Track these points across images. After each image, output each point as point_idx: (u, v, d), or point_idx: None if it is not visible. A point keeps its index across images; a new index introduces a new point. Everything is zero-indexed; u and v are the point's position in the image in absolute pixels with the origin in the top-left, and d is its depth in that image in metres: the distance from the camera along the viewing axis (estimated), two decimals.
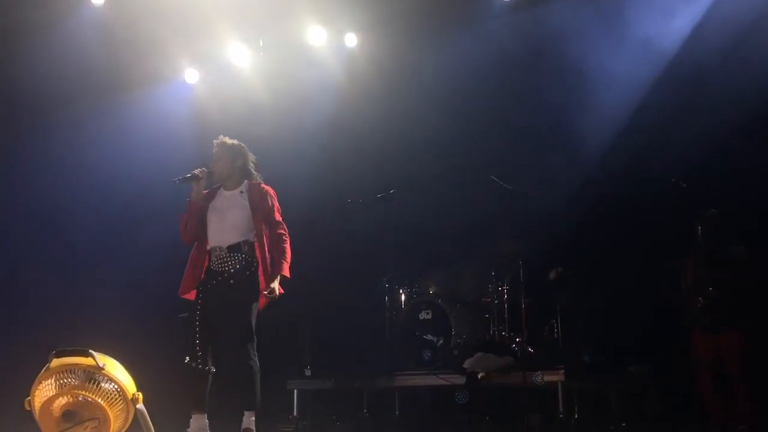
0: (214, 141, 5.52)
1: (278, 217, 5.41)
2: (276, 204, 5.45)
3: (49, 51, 7.30)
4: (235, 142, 5.54)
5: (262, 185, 5.50)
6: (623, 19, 7.29)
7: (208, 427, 5.15)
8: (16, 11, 7.03)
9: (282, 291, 5.34)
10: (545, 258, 7.30)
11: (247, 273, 5.25)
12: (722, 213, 5.96)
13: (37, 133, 7.70)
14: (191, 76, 8.46)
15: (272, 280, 5.21)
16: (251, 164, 5.55)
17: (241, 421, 5.15)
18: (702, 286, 5.90)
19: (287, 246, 5.33)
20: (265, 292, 5.19)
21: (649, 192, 7.02)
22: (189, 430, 5.11)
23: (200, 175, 5.38)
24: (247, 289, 5.24)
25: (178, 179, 5.36)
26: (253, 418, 5.14)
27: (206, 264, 5.34)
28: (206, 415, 5.15)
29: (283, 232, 5.37)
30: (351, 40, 8.11)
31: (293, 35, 8.09)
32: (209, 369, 5.14)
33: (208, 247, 5.35)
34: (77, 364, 3.52)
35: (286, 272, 5.28)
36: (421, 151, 7.95)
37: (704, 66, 7.02)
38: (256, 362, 5.20)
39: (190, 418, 5.12)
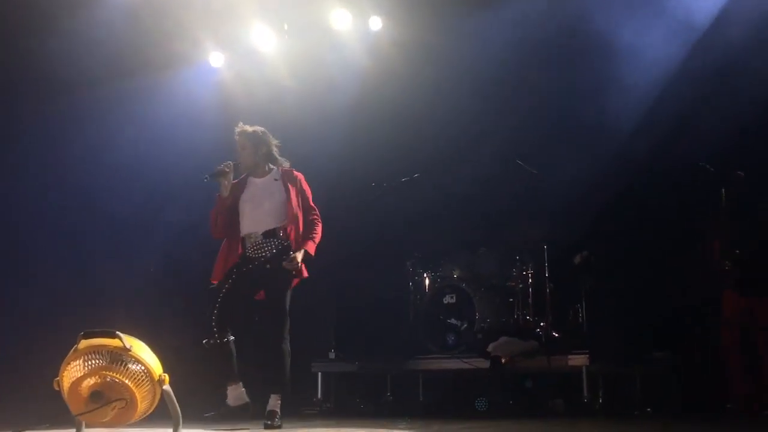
0: (235, 129, 5.53)
1: (312, 202, 5.49)
2: (308, 189, 5.52)
3: (77, 35, 7.33)
4: (257, 128, 5.53)
5: (294, 172, 5.53)
6: None
7: (245, 395, 5.20)
8: None
9: (307, 275, 5.38)
10: (570, 242, 7.26)
11: (283, 257, 5.28)
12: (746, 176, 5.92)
13: (64, 114, 7.76)
14: (216, 59, 8.47)
15: (297, 252, 5.27)
16: (275, 149, 5.57)
17: (266, 402, 5.20)
18: (729, 248, 5.86)
19: (318, 229, 5.43)
20: (284, 263, 5.23)
21: (676, 175, 6.96)
22: (228, 401, 5.18)
23: (227, 170, 5.40)
24: (283, 273, 5.28)
25: (207, 177, 5.37)
26: (279, 401, 5.19)
27: (240, 251, 5.38)
28: (241, 383, 5.21)
29: (316, 217, 5.47)
30: (375, 23, 8.06)
31: (317, 19, 8.06)
32: (228, 339, 5.17)
33: (241, 235, 5.39)
34: (105, 345, 3.56)
35: (311, 250, 5.34)
36: (446, 135, 7.91)
37: (736, 44, 6.89)
38: (288, 345, 5.24)
39: (226, 390, 5.19)
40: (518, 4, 7.51)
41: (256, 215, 5.38)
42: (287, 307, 5.27)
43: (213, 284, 5.35)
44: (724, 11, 7.02)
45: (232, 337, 5.20)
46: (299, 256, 5.26)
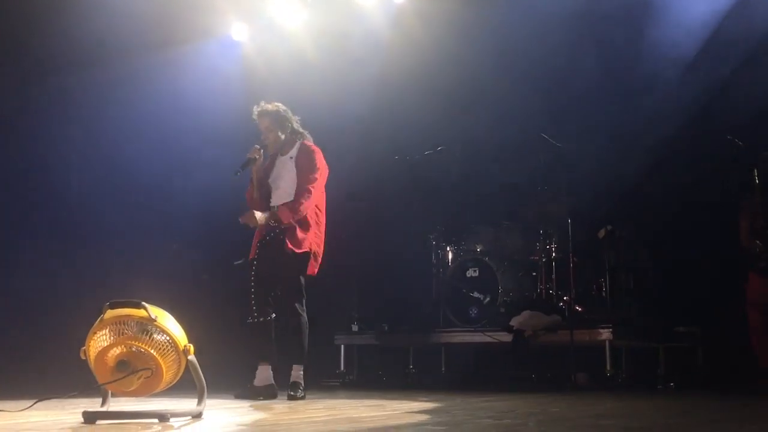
0: (254, 110, 5.51)
1: (313, 176, 5.38)
2: (316, 163, 5.43)
3: (100, 8, 7.34)
4: (278, 106, 5.53)
5: (311, 146, 5.52)
6: None
7: (272, 378, 5.27)
8: None
9: (315, 273, 5.42)
10: (594, 216, 7.22)
11: (297, 230, 5.29)
12: None
13: (88, 89, 7.78)
14: (239, 32, 8.45)
15: (268, 213, 5.28)
16: (297, 124, 5.57)
17: (288, 373, 5.25)
18: (760, 229, 5.79)
19: (303, 205, 5.29)
20: (240, 218, 5.27)
21: (705, 149, 6.88)
22: (255, 380, 5.26)
23: (256, 156, 5.43)
24: (298, 247, 5.30)
25: (238, 171, 5.39)
26: (301, 372, 5.24)
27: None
28: (270, 366, 5.29)
29: (308, 192, 5.33)
30: None
31: None
32: (269, 318, 5.27)
33: (270, 206, 5.45)
34: (130, 315, 3.59)
35: (284, 217, 5.27)
36: (471, 108, 7.86)
37: None
38: (305, 317, 5.29)
39: (256, 369, 5.28)
40: None
41: (276, 193, 5.48)
42: (302, 280, 5.32)
43: (233, 254, 5.47)
44: None
45: (273, 315, 5.29)
46: (257, 215, 5.25)
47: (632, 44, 7.25)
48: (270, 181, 5.53)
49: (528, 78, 7.62)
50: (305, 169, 5.41)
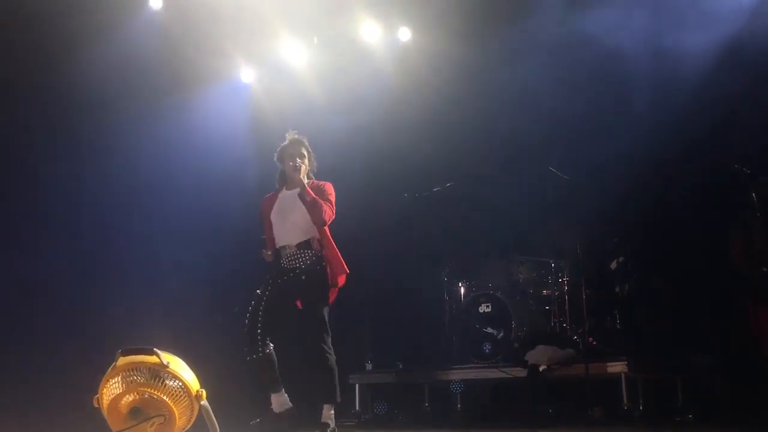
0: (292, 136, 5.50)
1: (329, 199, 5.37)
2: (331, 197, 5.41)
3: (111, 53, 7.44)
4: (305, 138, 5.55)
5: (320, 182, 5.52)
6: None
7: (289, 401, 5.26)
8: (81, 15, 7.19)
9: (334, 296, 5.39)
10: (605, 248, 7.20)
11: (318, 268, 5.32)
12: None
13: (99, 131, 7.85)
14: (247, 74, 8.55)
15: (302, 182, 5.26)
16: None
17: (318, 414, 5.23)
18: (762, 255, 5.74)
19: (325, 208, 5.27)
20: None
21: (711, 178, 6.87)
22: (272, 407, 5.25)
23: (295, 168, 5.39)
24: (320, 284, 5.31)
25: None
26: (332, 412, 5.23)
27: (276, 262, 5.41)
28: (283, 389, 5.27)
29: (327, 203, 5.32)
30: (404, 34, 8.09)
31: (347, 31, 8.11)
32: (269, 351, 5.23)
33: (277, 246, 5.42)
34: (143, 362, 3.59)
35: (310, 195, 5.26)
36: (478, 144, 7.90)
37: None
38: (333, 356, 5.26)
39: (269, 398, 5.26)
40: (547, 17, 7.48)
41: (285, 228, 5.39)
42: (326, 318, 5.28)
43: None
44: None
45: (272, 345, 5.26)
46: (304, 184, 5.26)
47: (637, 77, 7.28)
48: (273, 213, 5.46)
49: (534, 112, 7.66)
50: (320, 196, 5.37)
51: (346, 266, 5.37)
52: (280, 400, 5.25)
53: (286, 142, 5.50)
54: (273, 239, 5.46)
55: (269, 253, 5.39)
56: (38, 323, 7.26)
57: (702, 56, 7.10)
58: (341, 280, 5.42)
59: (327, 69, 8.24)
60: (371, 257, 7.90)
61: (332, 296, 5.40)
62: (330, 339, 5.27)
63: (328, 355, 5.22)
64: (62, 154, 7.74)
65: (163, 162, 7.85)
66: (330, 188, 5.47)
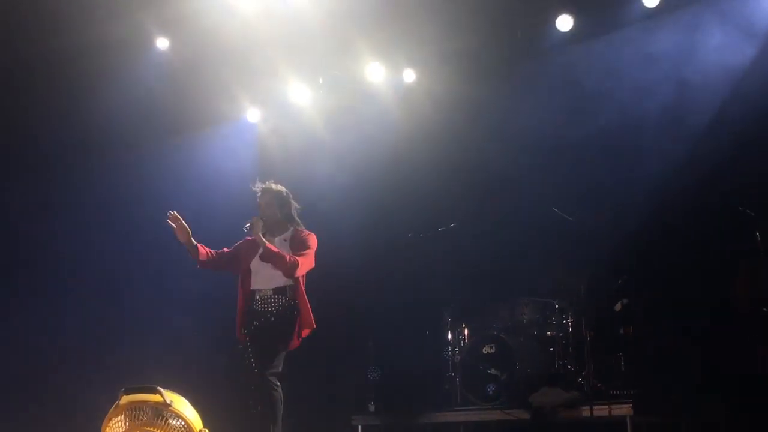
0: (261, 186, 5.64)
1: (305, 253, 5.44)
2: (311, 247, 5.50)
3: (118, 94, 7.53)
4: (282, 188, 5.65)
5: (305, 232, 5.61)
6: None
7: None
8: (90, 57, 7.29)
9: (296, 344, 5.46)
10: (609, 289, 7.18)
11: (289, 314, 5.40)
12: None
13: (106, 172, 7.91)
14: (253, 115, 8.62)
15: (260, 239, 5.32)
16: (295, 211, 5.66)
17: None
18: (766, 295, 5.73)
19: (294, 260, 5.34)
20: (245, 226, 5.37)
21: (715, 219, 6.87)
22: None
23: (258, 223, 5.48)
24: (286, 327, 5.38)
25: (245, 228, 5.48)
26: None
27: (249, 305, 5.48)
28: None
29: (300, 257, 5.38)
30: (409, 75, 8.17)
31: (352, 72, 8.19)
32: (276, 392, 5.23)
33: (251, 289, 5.49)
34: (146, 401, 3.59)
35: (270, 248, 5.34)
36: (482, 185, 7.93)
37: None
38: (280, 392, 5.27)
39: None
40: (553, 55, 7.55)
41: (264, 273, 5.46)
42: (281, 360, 5.32)
43: (238, 338, 5.48)
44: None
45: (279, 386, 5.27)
46: (258, 225, 5.34)
47: (640, 116, 7.32)
48: (254, 262, 5.51)
49: (537, 152, 7.69)
50: (300, 246, 5.47)
51: (314, 321, 5.46)
52: None
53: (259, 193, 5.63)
54: (247, 283, 5.50)
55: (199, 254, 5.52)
56: (39, 362, 7.25)
57: (707, 102, 7.15)
58: (305, 332, 5.48)
59: (332, 109, 8.32)
60: (374, 298, 7.89)
61: (293, 345, 5.46)
62: (277, 377, 5.28)
63: (275, 391, 5.22)
64: (67, 193, 7.79)
65: (170, 200, 7.87)
66: (312, 240, 5.56)
